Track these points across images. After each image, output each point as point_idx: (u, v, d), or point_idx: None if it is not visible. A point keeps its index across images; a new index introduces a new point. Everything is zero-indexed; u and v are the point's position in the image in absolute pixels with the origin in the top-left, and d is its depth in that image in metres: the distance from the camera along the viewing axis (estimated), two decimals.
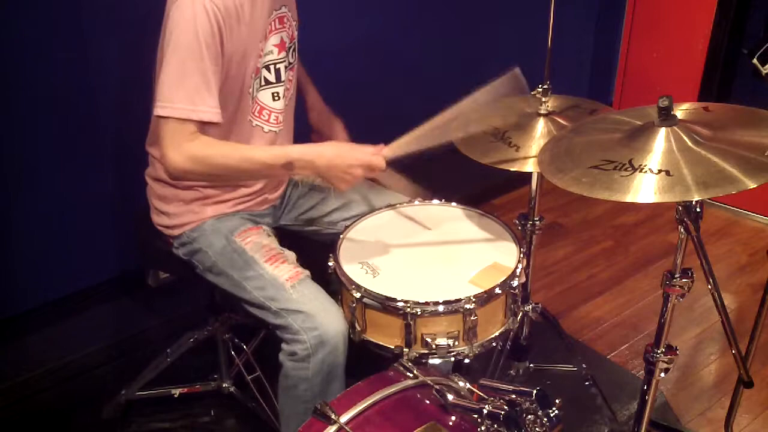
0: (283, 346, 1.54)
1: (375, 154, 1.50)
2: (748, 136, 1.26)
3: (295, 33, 1.69)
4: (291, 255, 1.63)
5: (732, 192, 1.15)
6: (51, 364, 2.19)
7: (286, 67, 1.65)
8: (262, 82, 1.61)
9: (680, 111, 1.37)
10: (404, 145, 1.52)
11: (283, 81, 1.65)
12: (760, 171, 1.16)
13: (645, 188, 1.19)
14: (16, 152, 1.99)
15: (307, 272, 1.59)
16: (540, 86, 1.67)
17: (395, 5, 2.56)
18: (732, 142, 1.25)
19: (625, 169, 1.23)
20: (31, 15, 1.87)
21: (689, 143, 1.25)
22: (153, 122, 1.61)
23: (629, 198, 1.19)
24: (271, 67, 1.61)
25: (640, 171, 1.22)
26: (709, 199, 1.20)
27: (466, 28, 2.79)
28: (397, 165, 1.57)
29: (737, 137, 1.27)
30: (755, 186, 1.14)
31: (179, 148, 1.43)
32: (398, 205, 1.79)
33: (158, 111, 1.43)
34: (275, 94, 1.65)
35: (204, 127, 1.46)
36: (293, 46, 1.68)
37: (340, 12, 2.37)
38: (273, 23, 1.59)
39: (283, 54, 1.63)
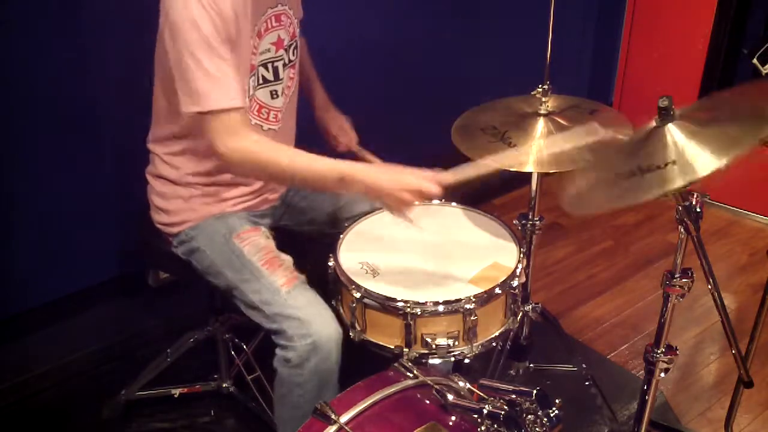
0: (277, 351, 1.53)
1: (430, 180, 1.43)
2: (745, 102, 1.24)
3: (297, 31, 1.68)
4: (288, 259, 1.62)
5: (746, 150, 1.09)
6: (51, 364, 2.19)
7: (284, 65, 1.64)
8: (260, 80, 1.61)
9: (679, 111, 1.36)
10: (463, 172, 1.46)
11: (282, 79, 1.65)
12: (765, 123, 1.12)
13: (655, 184, 1.15)
14: (16, 152, 1.99)
15: (303, 277, 1.58)
16: (540, 86, 1.68)
17: (395, 5, 2.55)
18: (733, 112, 1.22)
19: (635, 176, 1.22)
20: (31, 15, 1.87)
21: (691, 129, 1.21)
22: (173, 120, 1.60)
23: (643, 197, 1.15)
24: (269, 65, 1.61)
25: (648, 171, 1.20)
26: (709, 199, 1.20)
27: (466, 28, 2.79)
28: None
29: (737, 110, 1.24)
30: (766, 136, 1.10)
31: (230, 138, 1.44)
32: None
33: (195, 108, 1.43)
34: (273, 92, 1.64)
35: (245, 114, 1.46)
36: (294, 44, 1.67)
37: (340, 12, 2.37)
38: (269, 21, 1.58)
39: (281, 52, 1.62)
